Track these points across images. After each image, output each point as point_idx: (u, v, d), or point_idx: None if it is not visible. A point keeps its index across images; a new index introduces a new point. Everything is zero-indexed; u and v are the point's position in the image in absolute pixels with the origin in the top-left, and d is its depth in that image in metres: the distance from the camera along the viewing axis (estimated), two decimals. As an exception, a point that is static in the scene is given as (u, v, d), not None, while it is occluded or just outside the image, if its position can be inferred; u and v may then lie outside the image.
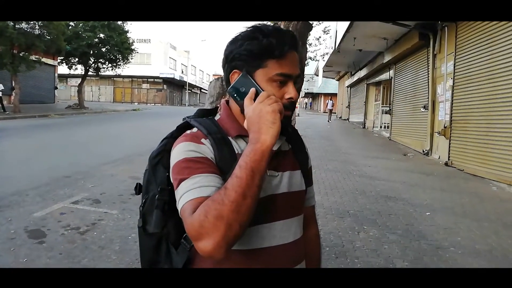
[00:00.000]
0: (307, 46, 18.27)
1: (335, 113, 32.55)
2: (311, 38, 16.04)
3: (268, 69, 0.93)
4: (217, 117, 1.04)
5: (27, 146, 9.76)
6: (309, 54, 16.09)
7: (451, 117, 8.83)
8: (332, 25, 16.10)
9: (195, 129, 0.98)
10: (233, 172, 0.81)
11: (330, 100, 28.31)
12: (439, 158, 9.41)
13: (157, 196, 0.98)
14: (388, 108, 15.79)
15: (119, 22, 26.39)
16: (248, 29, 0.96)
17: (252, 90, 0.91)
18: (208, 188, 0.83)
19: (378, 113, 18.69)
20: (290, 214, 1.02)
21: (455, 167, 8.44)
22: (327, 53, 17.93)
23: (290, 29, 1.89)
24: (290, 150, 1.08)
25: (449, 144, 8.84)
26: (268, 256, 0.96)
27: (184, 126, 1.02)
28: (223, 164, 0.91)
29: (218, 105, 1.11)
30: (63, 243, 3.75)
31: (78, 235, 3.97)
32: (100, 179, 6.26)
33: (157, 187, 0.99)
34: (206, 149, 0.92)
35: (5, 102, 19.96)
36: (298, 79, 1.00)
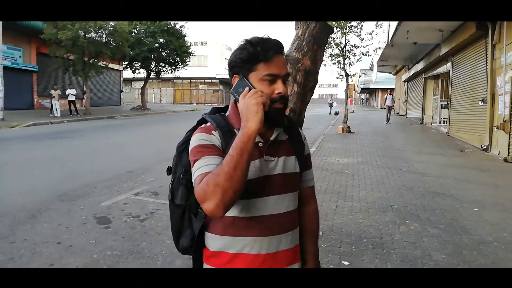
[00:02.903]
0: (360, 41, 18.00)
1: (394, 110, 26.81)
2: (363, 33, 15.78)
3: (258, 72, 1.18)
4: (227, 114, 1.32)
5: (97, 145, 10.79)
6: (361, 50, 15.89)
7: (511, 111, 8.37)
8: (385, 18, 15.70)
9: (208, 123, 1.27)
10: (228, 152, 1.08)
11: (390, 94, 22.40)
12: (498, 154, 8.95)
13: (182, 176, 1.29)
14: (446, 103, 15.13)
15: (177, 27, 27.70)
16: (241, 42, 1.24)
17: (246, 89, 1.18)
18: (213, 166, 1.09)
19: (437, 108, 17.90)
20: (284, 190, 1.27)
21: (515, 163, 8.02)
22: (380, 48, 17.51)
23: (307, 33, 2.13)
24: (287, 140, 1.33)
25: (509, 139, 8.40)
26: (263, 222, 1.22)
27: (202, 121, 1.32)
28: (227, 150, 1.17)
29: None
30: (126, 228, 4.26)
31: (138, 222, 4.47)
32: (159, 174, 6.82)
33: (182, 169, 1.30)
34: (215, 138, 1.20)
35: (77, 105, 21.91)
36: (286, 77, 1.24)
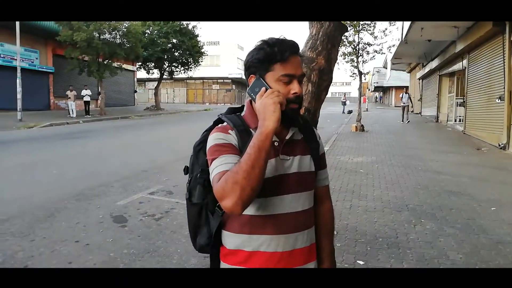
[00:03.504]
0: (373, 38, 17.87)
1: (412, 110, 24.50)
2: (376, 31, 15.65)
3: (275, 72, 1.20)
4: (242, 113, 1.33)
5: (112, 144, 10.96)
6: (374, 47, 15.74)
7: (529, 108, 8.20)
8: (399, 16, 15.50)
9: (225, 123, 1.29)
10: (246, 151, 1.10)
11: (406, 93, 20.11)
12: (516, 152, 8.78)
13: (199, 175, 1.32)
14: (462, 100, 14.88)
15: (190, 27, 27.88)
16: (258, 43, 1.26)
17: (263, 89, 1.19)
18: (230, 164, 1.11)
19: (452, 105, 17.62)
20: (299, 189, 1.28)
21: (534, 162, 7.85)
22: (393, 45, 17.33)
23: (321, 32, 2.13)
24: (302, 139, 1.34)
25: (528, 137, 8.22)
26: (279, 220, 1.24)
27: (218, 121, 1.34)
28: (244, 148, 1.19)
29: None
30: (141, 227, 4.32)
31: (153, 221, 4.53)
32: (173, 173, 6.90)
33: (199, 168, 1.32)
34: (231, 137, 1.22)
35: (92, 106, 22.26)
36: (302, 78, 1.26)
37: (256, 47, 1.26)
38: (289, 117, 1.21)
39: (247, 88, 1.27)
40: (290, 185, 1.26)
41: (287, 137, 1.28)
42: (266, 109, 1.12)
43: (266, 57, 1.21)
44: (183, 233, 4.13)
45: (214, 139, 1.23)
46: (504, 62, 9.54)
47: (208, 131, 1.33)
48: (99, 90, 22.34)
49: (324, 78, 2.11)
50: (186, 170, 1.39)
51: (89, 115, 20.52)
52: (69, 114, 19.66)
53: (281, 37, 1.25)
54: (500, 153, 9.36)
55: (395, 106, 31.04)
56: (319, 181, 1.41)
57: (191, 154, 1.37)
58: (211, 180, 1.17)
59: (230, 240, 1.27)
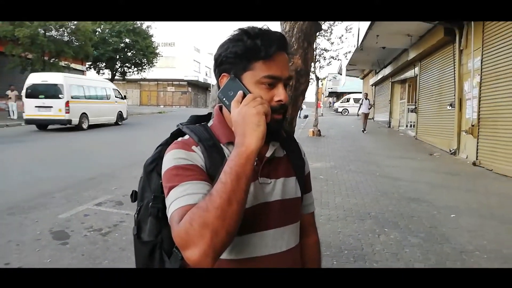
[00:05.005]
0: (330, 44, 18.18)
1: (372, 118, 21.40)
2: (333, 37, 15.87)
3: (255, 71, 0.92)
4: (210, 123, 1.03)
5: (57, 149, 10.13)
6: (331, 53, 15.93)
7: (478, 115, 8.53)
8: (354, 23, 15.89)
9: (186, 136, 0.98)
10: (219, 178, 0.80)
11: (366, 99, 17.35)
12: (466, 157, 9.10)
13: (151, 203, 0.99)
14: (413, 107, 15.41)
15: (144, 27, 27.02)
16: (235, 32, 0.96)
17: (240, 93, 0.90)
18: (196, 196, 0.83)
19: (404, 111, 18.26)
20: (284, 222, 1.00)
21: (483, 167, 8.14)
22: (349, 52, 17.67)
23: (295, 29, 1.86)
24: (285, 156, 1.06)
25: (477, 143, 8.54)
26: (259, 265, 0.95)
27: (177, 133, 1.02)
28: (214, 171, 0.90)
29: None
30: (86, 244, 3.85)
31: (100, 236, 4.07)
32: (124, 181, 6.40)
33: (151, 194, 1.00)
34: (196, 156, 0.92)
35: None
36: (288, 81, 0.98)
37: (232, 37, 0.96)
38: (272, 130, 0.90)
39: (218, 91, 0.96)
40: (272, 217, 0.98)
41: (268, 154, 0.99)
42: (248, 120, 0.83)
43: (245, 52, 0.92)
44: (133, 250, 3.72)
45: (172, 158, 0.91)
46: (454, 70, 9.90)
47: (164, 146, 1.01)
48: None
49: (302, 81, 1.85)
50: (134, 197, 1.06)
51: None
52: (10, 115, 18.18)
53: (265, 27, 0.96)
54: (451, 158, 9.67)
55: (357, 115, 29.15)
56: (303, 207, 1.14)
57: (141, 175, 1.05)
58: (168, 218, 0.85)
59: None
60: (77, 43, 20.51)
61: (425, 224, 4.61)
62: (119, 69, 28.17)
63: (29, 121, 14.52)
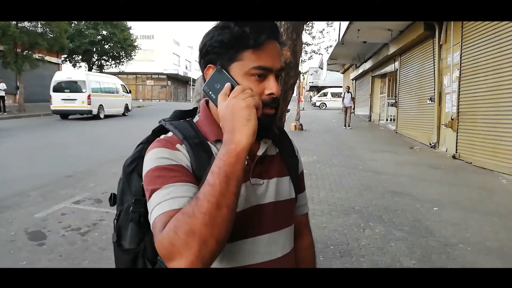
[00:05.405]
0: (311, 38, 18.22)
1: (353, 112, 19.85)
2: (314, 31, 15.86)
3: (244, 62, 0.84)
4: (195, 119, 0.95)
5: (32, 146, 9.77)
6: (312, 47, 15.95)
7: (458, 109, 8.67)
8: (335, 17, 15.87)
9: (170, 134, 0.89)
10: (206, 180, 0.72)
11: (348, 92, 16.85)
12: (446, 151, 9.26)
13: (131, 208, 0.90)
14: (394, 101, 15.59)
15: (122, 19, 26.44)
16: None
17: (227, 85, 0.82)
18: (181, 199, 0.74)
19: (384, 106, 18.49)
20: (278, 226, 0.92)
21: (463, 160, 8.30)
22: (331, 46, 17.71)
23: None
24: (277, 155, 0.98)
25: (457, 136, 8.69)
26: None
27: (160, 130, 0.93)
28: (200, 172, 0.81)
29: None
30: (64, 244, 3.70)
31: (79, 236, 3.92)
32: (102, 178, 6.21)
33: (132, 198, 0.91)
34: (181, 155, 0.83)
35: (10, 101, 20.01)
36: (280, 72, 0.89)
37: (218, 25, 0.87)
38: (263, 126, 0.82)
39: (204, 84, 0.87)
40: (265, 221, 0.90)
41: (259, 153, 0.91)
42: (236, 115, 0.75)
43: (232, 40, 0.83)
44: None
45: (154, 158, 0.82)
46: (434, 64, 10.03)
47: (145, 144, 0.91)
48: (18, 84, 20.08)
49: (291, 74, 1.77)
50: (113, 200, 0.96)
51: (5, 112, 18.37)
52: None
53: None
54: (431, 152, 9.82)
55: (339, 110, 28.35)
56: (297, 208, 1.06)
57: (120, 177, 0.95)
58: (150, 224, 0.76)
59: None
60: (51, 35, 19.77)
61: (409, 218, 4.63)
62: (96, 62, 27.51)
63: (56, 112, 17.34)
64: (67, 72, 18.69)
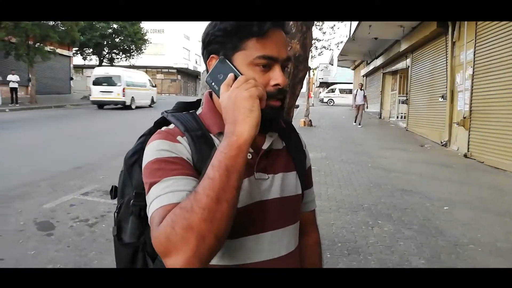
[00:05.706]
0: (322, 34, 18.03)
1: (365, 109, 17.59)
2: (325, 27, 15.71)
3: (248, 51, 0.80)
4: (199, 111, 0.91)
5: (42, 137, 9.86)
6: (323, 43, 15.81)
7: (470, 107, 8.53)
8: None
9: (171, 125, 0.86)
10: (206, 173, 0.69)
11: (361, 89, 16.17)
12: (457, 149, 9.13)
13: (132, 201, 0.88)
14: (405, 98, 15.41)
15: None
16: None
17: (230, 75, 0.79)
18: (181, 193, 0.72)
19: (395, 103, 18.30)
20: (282, 223, 0.89)
21: (474, 159, 8.17)
22: (341, 42, 17.53)
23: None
24: (284, 149, 0.95)
25: (469, 135, 8.56)
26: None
27: (161, 122, 0.90)
28: (201, 165, 0.78)
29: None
30: (71, 235, 3.72)
31: (86, 227, 3.94)
32: (112, 170, 6.22)
33: (132, 191, 0.89)
34: (182, 148, 0.80)
35: (22, 93, 20.23)
36: (286, 63, 0.86)
37: None
38: (268, 118, 0.79)
39: (207, 75, 0.84)
40: (269, 217, 0.87)
41: (265, 147, 0.88)
42: (238, 106, 0.72)
43: (235, 28, 0.80)
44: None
45: (154, 150, 0.79)
46: (446, 62, 9.87)
47: (147, 136, 0.89)
48: (30, 76, 20.30)
49: (300, 68, 1.72)
50: (114, 193, 0.94)
51: (17, 103, 18.57)
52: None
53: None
54: (442, 150, 9.69)
55: (348, 107, 26.15)
56: (304, 205, 1.03)
57: (122, 169, 0.93)
58: (148, 218, 0.74)
59: None
60: (63, 28, 19.97)
61: (419, 217, 4.57)
62: (107, 55, 27.65)
63: (95, 102, 20.05)
64: (104, 68, 21.64)
